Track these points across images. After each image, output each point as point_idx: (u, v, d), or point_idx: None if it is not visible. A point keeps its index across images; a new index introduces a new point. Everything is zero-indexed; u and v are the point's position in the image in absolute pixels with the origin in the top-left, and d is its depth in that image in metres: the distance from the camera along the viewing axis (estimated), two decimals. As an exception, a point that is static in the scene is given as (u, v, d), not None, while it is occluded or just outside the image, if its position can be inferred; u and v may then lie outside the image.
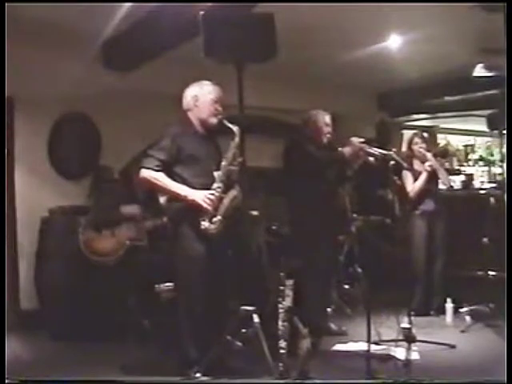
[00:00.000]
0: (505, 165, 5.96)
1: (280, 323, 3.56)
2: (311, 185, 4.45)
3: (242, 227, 4.00)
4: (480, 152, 9.43)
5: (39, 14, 4.34)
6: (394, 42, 5.36)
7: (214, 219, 3.52)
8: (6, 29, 3.13)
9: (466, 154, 9.44)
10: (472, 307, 4.85)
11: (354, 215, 5.02)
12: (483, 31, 4.73)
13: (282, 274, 3.84)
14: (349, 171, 4.66)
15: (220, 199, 3.56)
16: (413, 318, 4.06)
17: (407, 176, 5.24)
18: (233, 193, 3.60)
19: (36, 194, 5.23)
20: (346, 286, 5.58)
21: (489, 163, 8.98)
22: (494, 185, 7.05)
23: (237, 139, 3.60)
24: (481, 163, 9.08)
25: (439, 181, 5.28)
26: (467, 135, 9.84)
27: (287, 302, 3.65)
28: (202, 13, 3.55)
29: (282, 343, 3.46)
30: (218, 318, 3.58)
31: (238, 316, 3.53)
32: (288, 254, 4.35)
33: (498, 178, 8.07)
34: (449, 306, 4.92)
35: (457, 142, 9.77)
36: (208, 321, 3.52)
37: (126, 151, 5.22)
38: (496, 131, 7.21)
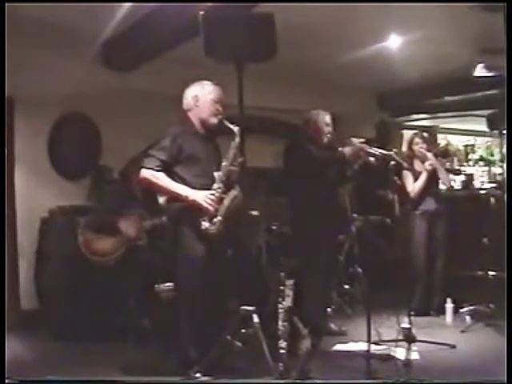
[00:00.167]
0: (505, 165, 5.97)
1: (280, 323, 3.57)
2: (311, 185, 4.45)
3: (242, 227, 4.00)
4: (480, 152, 9.43)
5: (39, 14, 4.34)
6: (393, 41, 5.36)
7: (215, 219, 3.52)
8: (6, 29, 3.13)
9: (466, 154, 9.44)
10: (472, 307, 4.85)
11: (354, 215, 5.03)
12: (483, 31, 4.73)
13: (282, 273, 3.84)
14: (349, 171, 4.66)
15: (220, 199, 3.56)
16: (413, 318, 4.07)
17: (408, 176, 5.24)
18: (233, 193, 3.60)
19: (36, 194, 5.23)
20: (346, 286, 5.58)
21: (489, 163, 8.98)
22: (494, 185, 7.05)
23: (237, 139, 3.60)
24: (481, 163, 9.08)
25: (439, 181, 5.28)
26: (467, 135, 9.84)
27: (287, 301, 3.66)
28: (201, 13, 3.55)
29: (282, 343, 3.47)
30: (218, 318, 3.58)
31: (237, 316, 3.52)
32: (288, 254, 4.36)
33: (498, 178, 8.07)
34: (449, 305, 4.92)
35: (457, 142, 9.77)
36: (208, 321, 3.52)
37: (126, 151, 5.22)
38: (496, 131, 7.23)
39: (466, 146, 9.61)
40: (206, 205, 3.50)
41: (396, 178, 4.43)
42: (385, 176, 4.34)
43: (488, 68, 5.61)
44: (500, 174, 7.98)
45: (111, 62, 5.17)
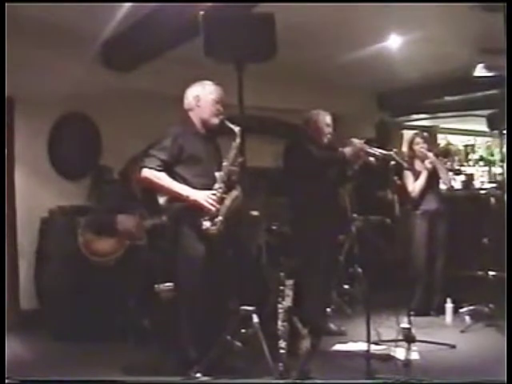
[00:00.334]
0: (505, 165, 5.97)
1: (280, 323, 3.57)
2: (311, 185, 4.45)
3: (242, 227, 4.00)
4: (480, 152, 9.43)
5: (39, 14, 4.34)
6: (394, 41, 5.36)
7: (216, 219, 3.53)
8: (6, 29, 3.13)
9: (466, 154, 9.44)
10: (472, 307, 4.85)
11: (354, 215, 5.03)
12: (483, 31, 4.73)
13: (282, 273, 3.84)
14: (349, 171, 4.66)
15: (221, 200, 3.56)
16: (412, 318, 4.07)
17: (408, 176, 5.24)
18: (234, 193, 3.61)
19: (36, 194, 5.23)
20: (346, 286, 5.58)
21: (489, 163, 8.98)
22: (494, 185, 7.05)
23: (238, 140, 3.60)
24: (481, 163, 9.08)
25: (440, 180, 5.28)
26: (467, 135, 9.84)
27: (287, 301, 3.66)
28: (201, 13, 3.55)
29: (282, 343, 3.47)
30: (218, 318, 3.58)
31: (237, 316, 3.53)
32: (288, 254, 4.36)
33: (498, 178, 8.07)
34: (449, 305, 4.91)
35: (457, 141, 9.77)
36: (208, 321, 3.52)
37: (126, 151, 5.22)
38: (496, 131, 7.23)
39: (466, 145, 9.61)
40: (207, 205, 3.50)
41: (396, 177, 4.43)
42: (385, 176, 4.34)
43: (488, 68, 5.61)
44: (500, 174, 7.97)
45: (111, 62, 5.17)
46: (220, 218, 3.53)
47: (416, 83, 6.77)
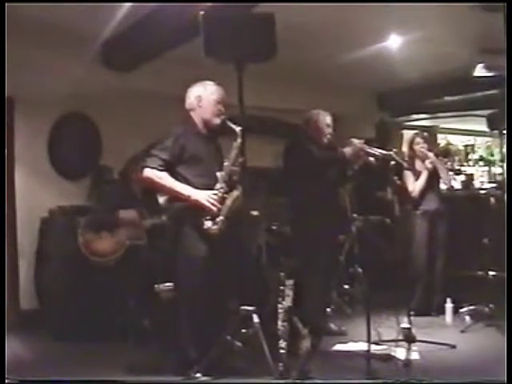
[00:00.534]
0: (505, 165, 5.97)
1: (280, 323, 3.57)
2: (311, 185, 4.45)
3: (243, 227, 4.00)
4: (480, 152, 9.43)
5: (39, 14, 4.34)
6: (394, 41, 5.36)
7: (217, 219, 3.53)
8: (6, 29, 3.13)
9: (466, 154, 9.44)
10: (472, 307, 4.85)
11: (354, 215, 5.03)
12: (483, 31, 4.73)
13: (282, 273, 3.84)
14: (349, 171, 4.66)
15: (223, 199, 3.57)
16: (412, 317, 4.07)
17: (409, 176, 5.24)
18: (235, 193, 3.61)
19: (36, 194, 5.23)
20: (346, 286, 5.58)
21: (489, 163, 8.98)
22: (494, 185, 7.05)
23: (239, 140, 3.61)
24: (481, 163, 9.08)
25: (440, 180, 5.28)
26: (467, 135, 9.84)
27: (287, 301, 3.66)
28: (202, 13, 3.55)
29: (282, 343, 3.47)
30: (218, 318, 3.58)
31: (237, 316, 3.52)
32: (288, 254, 4.36)
33: (498, 178, 8.07)
34: (449, 305, 4.91)
35: (457, 141, 9.77)
36: (208, 321, 3.52)
37: (126, 151, 5.22)
38: (496, 131, 7.22)
39: (466, 145, 9.61)
40: (208, 204, 3.51)
41: (396, 177, 4.44)
42: (385, 176, 4.34)
43: (488, 68, 5.61)
44: (500, 174, 7.97)
45: (111, 62, 5.17)
46: (221, 217, 3.54)
47: (416, 83, 6.77)
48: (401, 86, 7.10)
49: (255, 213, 4.66)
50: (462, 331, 4.49)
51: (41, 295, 5.07)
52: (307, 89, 6.38)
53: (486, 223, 5.17)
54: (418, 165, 5.30)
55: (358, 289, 5.31)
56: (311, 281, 4.38)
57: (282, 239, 5.00)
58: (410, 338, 3.86)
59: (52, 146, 5.43)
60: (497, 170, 8.61)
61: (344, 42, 5.24)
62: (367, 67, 5.85)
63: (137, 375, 3.65)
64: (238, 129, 3.60)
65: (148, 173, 3.58)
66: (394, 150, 4.51)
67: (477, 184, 8.03)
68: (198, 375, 3.41)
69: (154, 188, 3.89)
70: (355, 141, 4.50)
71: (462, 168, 8.47)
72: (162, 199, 4.82)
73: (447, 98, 7.50)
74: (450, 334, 4.39)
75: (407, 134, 7.42)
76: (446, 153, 5.78)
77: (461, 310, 4.91)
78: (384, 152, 4.47)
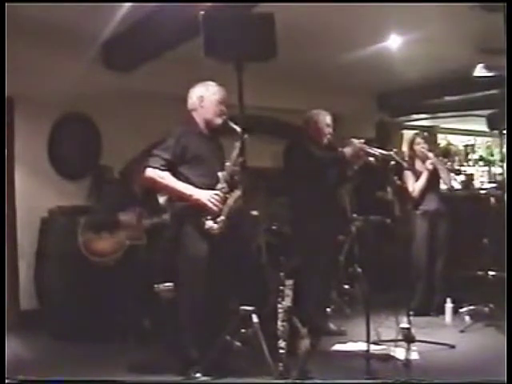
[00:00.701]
0: (505, 165, 5.97)
1: (279, 323, 3.57)
2: (311, 185, 4.45)
3: (243, 227, 4.00)
4: (480, 152, 9.43)
5: (39, 14, 4.33)
6: (393, 41, 5.36)
7: (218, 219, 3.54)
8: (6, 29, 3.13)
9: (466, 154, 9.44)
10: (472, 307, 4.85)
11: (354, 215, 5.03)
12: (483, 31, 4.73)
13: (281, 273, 3.84)
14: (349, 171, 4.66)
15: (224, 199, 3.58)
16: (412, 317, 4.06)
17: (409, 176, 5.24)
18: (237, 193, 3.62)
19: (36, 194, 5.23)
20: (346, 286, 5.58)
21: (489, 163, 8.98)
22: (494, 185, 7.05)
23: (241, 140, 3.62)
24: (481, 163, 9.08)
25: (440, 181, 5.28)
26: (467, 135, 9.84)
27: (287, 301, 3.66)
28: (202, 13, 3.55)
29: (282, 343, 3.46)
30: (218, 318, 3.58)
31: (237, 316, 3.53)
32: (288, 254, 4.36)
33: (498, 178, 8.07)
34: (448, 305, 4.91)
35: (457, 142, 9.77)
36: (208, 321, 3.52)
37: (126, 151, 5.22)
38: (496, 131, 7.22)
39: (466, 145, 9.61)
40: (210, 204, 3.52)
41: (396, 178, 4.44)
42: (385, 176, 4.34)
43: (488, 68, 5.60)
44: (500, 174, 7.97)
45: (111, 62, 5.17)
46: (222, 217, 3.55)
47: (416, 83, 6.77)
48: (401, 86, 7.10)
49: (255, 213, 4.66)
50: (462, 331, 4.49)
51: (41, 295, 5.07)
52: (307, 89, 6.38)
53: (486, 223, 5.17)
54: (418, 165, 5.30)
55: (357, 289, 5.31)
56: (311, 281, 4.38)
57: (281, 239, 5.00)
58: (409, 338, 3.86)
59: (52, 146, 5.43)
60: (497, 170, 8.61)
61: (344, 42, 5.24)
62: (367, 67, 5.85)
63: (137, 375, 3.65)
64: (239, 129, 3.61)
65: (150, 172, 3.59)
66: (394, 150, 4.51)
67: (477, 184, 8.03)
68: (198, 375, 3.41)
69: (156, 188, 3.90)
70: (355, 141, 4.50)
71: (462, 168, 8.46)
72: (162, 199, 4.83)
73: (447, 98, 7.49)
74: (450, 334, 4.39)
75: (407, 134, 7.43)
76: (445, 153, 5.78)
77: (460, 310, 4.91)
78: (384, 152, 4.47)
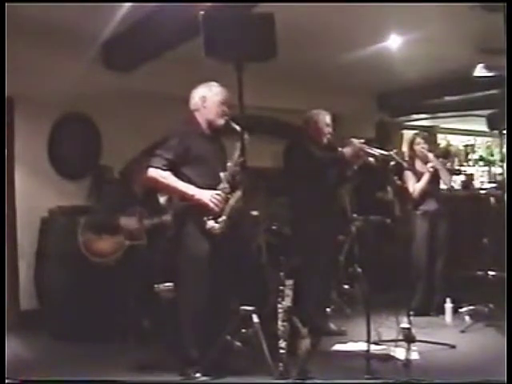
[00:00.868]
0: (505, 165, 5.97)
1: (280, 323, 3.57)
2: (311, 185, 4.45)
3: (243, 227, 4.01)
4: (480, 152, 9.43)
5: (39, 14, 4.33)
6: (393, 41, 5.36)
7: (220, 219, 3.55)
8: (6, 29, 3.13)
9: (466, 154, 9.44)
10: (471, 307, 4.85)
11: (354, 215, 5.03)
12: (483, 31, 4.73)
13: (281, 273, 3.84)
14: (349, 171, 4.66)
15: (226, 200, 3.59)
16: (412, 317, 4.06)
17: (409, 176, 5.24)
18: (238, 193, 3.63)
19: (36, 194, 5.23)
20: (346, 286, 5.58)
21: (489, 163, 8.98)
22: (494, 185, 7.05)
23: (243, 140, 3.62)
24: (481, 163, 9.08)
25: (441, 181, 5.28)
26: (467, 135, 9.84)
27: (287, 301, 3.66)
28: (202, 13, 3.55)
29: (282, 343, 3.46)
30: (218, 318, 3.58)
31: (237, 316, 3.53)
32: (288, 253, 4.36)
33: (498, 178, 8.07)
34: (448, 305, 4.91)
35: (457, 142, 9.77)
36: (209, 320, 3.52)
37: (126, 151, 5.22)
38: (496, 131, 7.22)
39: (466, 145, 9.61)
40: (211, 204, 3.53)
41: (396, 178, 4.44)
42: (385, 176, 4.34)
43: (488, 68, 5.60)
44: (500, 174, 7.97)
45: (111, 62, 5.17)
46: (224, 217, 3.55)
47: (416, 83, 6.77)
48: (401, 86, 7.10)
49: (255, 213, 4.66)
50: (462, 331, 4.49)
51: (41, 295, 5.07)
52: (307, 89, 6.38)
53: (486, 223, 5.17)
54: (419, 165, 5.30)
55: (357, 289, 5.31)
56: (311, 281, 4.38)
57: (281, 239, 5.00)
58: (409, 338, 3.85)
59: (52, 146, 5.43)
60: (497, 170, 8.62)
61: (344, 42, 5.23)
62: (367, 67, 5.85)
63: (137, 375, 3.65)
64: (240, 129, 3.62)
65: (152, 172, 3.60)
66: (394, 150, 4.51)
67: (477, 184, 8.04)
68: (198, 375, 3.42)
69: (158, 187, 3.92)
70: (355, 141, 4.50)
71: (462, 168, 8.47)
72: (162, 199, 4.83)
73: (447, 98, 7.49)
74: (450, 334, 4.39)
75: (407, 134, 7.42)
76: (445, 154, 5.78)
77: (460, 310, 4.91)
78: (384, 152, 4.47)
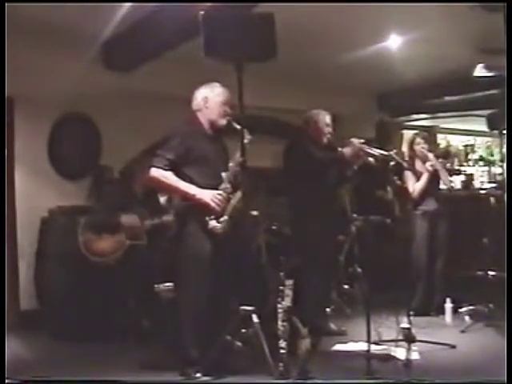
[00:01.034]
0: (505, 165, 5.97)
1: (280, 323, 3.57)
2: (311, 185, 4.45)
3: (243, 227, 4.01)
4: (480, 152, 9.43)
5: (39, 14, 4.33)
6: (393, 41, 5.36)
7: (221, 219, 3.55)
8: (6, 29, 3.13)
9: (466, 154, 9.44)
10: (471, 307, 4.85)
11: (354, 215, 5.03)
12: (483, 31, 4.73)
13: (281, 273, 3.84)
14: (349, 172, 4.66)
15: (228, 199, 3.59)
16: (412, 317, 4.06)
17: (409, 176, 5.24)
18: (240, 193, 3.64)
19: (36, 194, 5.23)
20: (346, 286, 5.58)
21: (489, 163, 8.98)
22: (494, 185, 7.05)
23: (245, 141, 3.64)
24: (481, 163, 9.08)
25: (440, 181, 5.28)
26: (467, 135, 9.84)
27: (287, 301, 3.66)
28: (201, 13, 3.55)
29: (282, 343, 3.46)
30: (219, 318, 3.58)
31: (237, 316, 3.53)
32: (288, 253, 4.36)
33: (498, 178, 8.06)
34: (448, 305, 4.91)
35: (457, 142, 9.77)
36: (209, 320, 3.52)
37: (126, 151, 5.22)
38: (496, 131, 7.22)
39: (466, 146, 9.61)
40: (212, 204, 3.53)
41: (396, 178, 4.43)
42: (385, 176, 4.34)
43: (488, 68, 5.61)
44: (500, 174, 7.97)
45: (111, 62, 5.17)
46: (225, 217, 3.56)
47: (416, 83, 6.77)
48: (401, 86, 7.10)
49: (255, 213, 4.66)
50: (462, 331, 4.49)
51: (41, 295, 5.07)
52: (307, 89, 6.38)
53: (486, 223, 5.17)
54: (419, 165, 5.30)
55: (357, 289, 5.31)
56: (311, 281, 4.38)
57: (281, 239, 5.00)
58: (409, 338, 3.85)
59: (52, 146, 5.43)
60: (497, 170, 8.61)
61: (344, 42, 5.24)
62: (367, 67, 5.85)
63: (137, 375, 3.65)
64: (243, 130, 3.63)
65: (154, 172, 3.61)
66: (394, 150, 4.51)
67: (477, 184, 8.03)
68: (198, 375, 3.42)
69: (160, 187, 3.93)
70: (355, 141, 4.50)
71: (462, 168, 8.46)
72: (163, 199, 4.83)
73: (447, 98, 7.49)
74: (450, 334, 4.39)
75: (407, 134, 7.42)
76: (445, 154, 5.78)
77: (460, 310, 4.91)
78: (384, 152, 4.47)
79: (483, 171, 8.96)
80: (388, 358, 3.76)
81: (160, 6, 4.28)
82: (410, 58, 5.66)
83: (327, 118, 4.67)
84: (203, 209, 3.54)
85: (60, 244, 4.86)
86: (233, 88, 3.64)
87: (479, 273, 5.10)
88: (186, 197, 3.59)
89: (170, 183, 3.60)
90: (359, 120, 7.18)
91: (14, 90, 4.50)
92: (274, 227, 5.17)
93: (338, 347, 4.19)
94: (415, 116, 8.43)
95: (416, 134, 5.54)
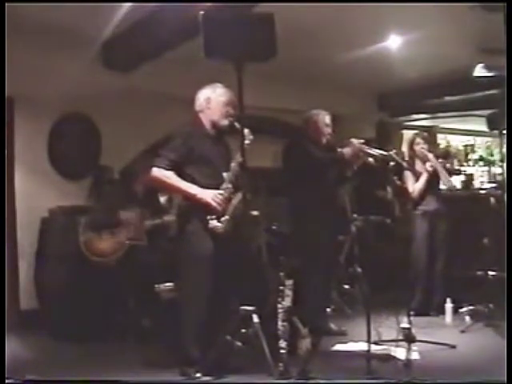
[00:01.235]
0: (505, 165, 5.97)
1: (280, 323, 3.57)
2: (311, 185, 4.45)
3: (243, 227, 4.01)
4: (480, 152, 9.43)
5: (39, 14, 4.33)
6: (393, 41, 5.36)
7: (222, 218, 3.56)
8: (6, 29, 3.13)
9: (466, 154, 9.44)
10: (471, 307, 4.85)
11: (354, 215, 5.02)
12: (483, 31, 4.73)
13: (281, 273, 3.84)
14: (348, 172, 4.66)
15: (229, 200, 3.60)
16: (412, 317, 4.06)
17: (409, 176, 5.24)
18: (241, 194, 3.64)
19: (36, 194, 5.22)
20: (346, 286, 5.58)
21: (489, 163, 8.98)
22: (494, 185, 7.05)
23: (247, 141, 3.64)
24: (481, 163, 9.08)
25: (440, 181, 5.28)
26: (467, 135, 9.84)
27: (287, 301, 3.66)
28: (202, 13, 3.55)
29: (282, 343, 3.46)
30: (219, 318, 3.58)
31: (237, 316, 3.53)
32: (288, 253, 4.36)
33: (498, 178, 8.07)
34: (448, 305, 4.91)
35: (457, 142, 9.77)
36: (209, 320, 3.52)
37: (126, 151, 5.22)
38: (496, 131, 7.21)
39: (466, 146, 9.61)
40: (214, 204, 3.54)
41: (396, 178, 4.44)
42: (385, 176, 4.34)
43: (488, 68, 5.60)
44: (500, 174, 7.97)
45: (111, 62, 5.17)
46: (226, 217, 3.57)
47: (416, 83, 6.77)
48: (401, 86, 7.10)
49: (255, 213, 4.66)
50: (462, 331, 4.49)
51: (41, 295, 5.07)
52: (307, 89, 6.38)
53: (486, 223, 5.17)
54: (418, 165, 5.30)
55: (357, 289, 5.31)
56: (311, 281, 4.38)
57: (281, 239, 5.00)
58: (409, 338, 3.85)
59: (52, 146, 5.42)
60: (497, 170, 8.61)
61: (344, 42, 5.24)
62: (367, 67, 5.85)
63: (137, 374, 3.65)
64: (246, 131, 3.63)
65: (156, 172, 3.62)
66: (394, 150, 4.51)
67: (477, 184, 8.03)
68: (198, 375, 3.42)
69: (162, 187, 3.95)
70: (354, 141, 4.50)
71: (462, 168, 8.46)
72: (163, 199, 4.84)
73: (447, 98, 7.49)
74: (450, 334, 4.39)
75: (407, 134, 7.42)
76: (445, 154, 5.78)
77: (460, 310, 4.91)
78: (384, 152, 4.47)
79: (483, 171, 8.97)
80: (388, 358, 3.76)
81: (160, 6, 4.29)
82: (410, 57, 5.66)
83: (327, 118, 4.67)
84: (204, 208, 3.54)
85: (60, 244, 4.86)
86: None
87: (479, 273, 5.10)
88: (188, 196, 3.60)
89: (172, 183, 3.61)
90: (359, 120, 7.18)
91: (14, 90, 4.49)
92: (273, 227, 5.18)
93: (338, 347, 4.19)
94: (415, 116, 8.43)
95: (416, 134, 5.54)
